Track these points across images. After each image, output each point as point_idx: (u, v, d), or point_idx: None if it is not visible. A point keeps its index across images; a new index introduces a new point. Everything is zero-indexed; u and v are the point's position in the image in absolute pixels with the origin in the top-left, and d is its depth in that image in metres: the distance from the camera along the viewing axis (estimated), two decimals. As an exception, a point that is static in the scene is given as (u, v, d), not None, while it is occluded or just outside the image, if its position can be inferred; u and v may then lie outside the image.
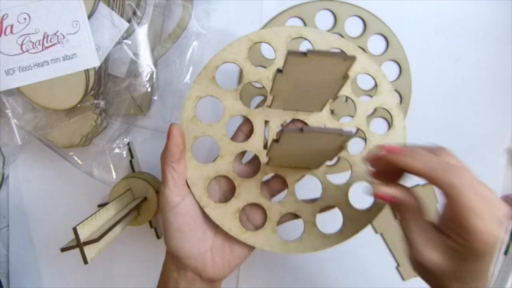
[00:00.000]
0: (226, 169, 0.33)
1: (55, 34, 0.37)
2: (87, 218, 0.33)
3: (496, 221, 0.24)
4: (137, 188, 0.43)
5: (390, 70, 0.47)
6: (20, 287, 0.49)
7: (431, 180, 0.27)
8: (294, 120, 0.33)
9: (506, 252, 0.48)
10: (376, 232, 0.49)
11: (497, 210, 0.24)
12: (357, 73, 0.34)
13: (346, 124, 0.34)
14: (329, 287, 0.50)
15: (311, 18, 0.46)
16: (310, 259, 0.50)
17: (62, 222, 0.48)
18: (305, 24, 0.46)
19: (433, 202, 0.49)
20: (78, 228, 0.31)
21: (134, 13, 0.40)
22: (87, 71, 0.38)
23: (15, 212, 0.48)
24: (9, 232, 0.48)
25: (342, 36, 0.46)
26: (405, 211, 0.30)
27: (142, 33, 0.41)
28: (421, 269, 0.28)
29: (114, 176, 0.44)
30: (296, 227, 0.34)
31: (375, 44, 0.47)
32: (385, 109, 0.34)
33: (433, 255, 0.26)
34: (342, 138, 0.26)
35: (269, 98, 0.33)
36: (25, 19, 0.37)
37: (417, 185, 0.49)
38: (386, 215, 0.49)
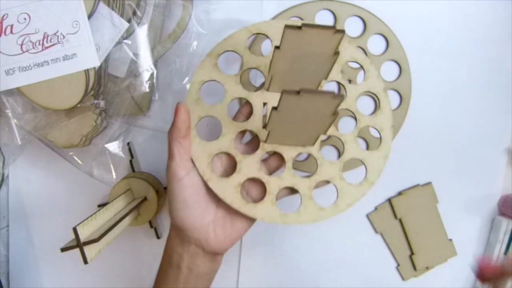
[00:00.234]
0: (228, 146, 0.35)
1: (55, 34, 0.37)
2: (87, 218, 0.33)
3: None
4: (137, 188, 0.43)
5: (390, 70, 0.47)
6: (20, 287, 0.49)
7: None
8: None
9: (506, 252, 0.48)
10: (376, 232, 0.49)
11: None
12: (346, 61, 0.36)
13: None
14: (329, 287, 0.50)
15: (311, 18, 0.46)
16: (309, 259, 0.50)
17: (62, 222, 0.48)
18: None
19: (433, 202, 0.49)
20: (78, 228, 0.31)
21: (134, 13, 0.40)
22: (87, 71, 0.38)
23: (15, 212, 0.48)
24: (9, 232, 0.48)
25: (342, 36, 0.46)
26: None
27: (142, 33, 0.41)
28: None
29: (114, 176, 0.44)
30: (293, 202, 0.36)
31: (375, 44, 0.47)
32: (372, 93, 0.37)
33: None
34: (335, 101, 0.28)
35: (267, 81, 0.35)
36: (25, 19, 0.37)
37: (417, 185, 0.49)
38: (386, 215, 0.49)
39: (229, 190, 0.34)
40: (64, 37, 0.38)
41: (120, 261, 0.49)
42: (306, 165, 0.47)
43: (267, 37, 0.36)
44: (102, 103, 0.41)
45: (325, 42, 0.29)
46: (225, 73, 0.36)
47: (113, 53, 0.40)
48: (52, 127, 0.41)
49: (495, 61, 0.48)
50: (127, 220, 0.40)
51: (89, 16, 0.38)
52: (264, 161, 0.37)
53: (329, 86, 0.45)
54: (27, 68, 0.38)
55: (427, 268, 0.50)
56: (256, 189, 0.36)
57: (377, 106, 0.37)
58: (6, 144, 0.44)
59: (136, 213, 0.43)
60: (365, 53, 0.47)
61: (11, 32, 0.37)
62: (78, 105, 0.39)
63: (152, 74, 0.42)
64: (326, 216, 0.35)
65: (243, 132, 0.36)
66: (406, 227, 0.49)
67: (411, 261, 0.49)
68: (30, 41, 0.37)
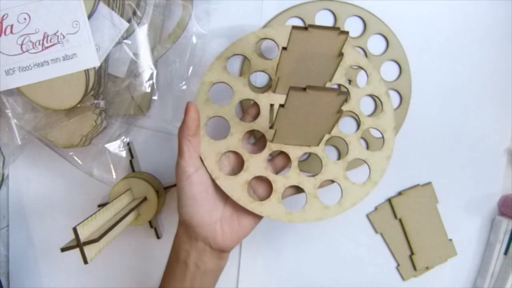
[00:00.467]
0: (236, 145, 0.36)
1: (55, 34, 0.37)
2: (87, 218, 0.33)
3: None
4: (137, 188, 0.43)
5: (390, 70, 0.47)
6: (20, 287, 0.49)
7: None
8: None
9: (506, 252, 0.48)
10: (376, 232, 0.49)
11: None
12: (350, 65, 0.38)
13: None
14: (329, 287, 0.50)
15: (311, 18, 0.46)
16: (310, 259, 0.50)
17: (62, 222, 0.48)
18: (305, 24, 0.46)
19: (433, 202, 0.49)
20: (78, 228, 0.31)
21: (134, 13, 0.40)
22: (87, 71, 0.38)
23: (15, 212, 0.48)
24: (9, 232, 0.48)
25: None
26: None
27: (142, 33, 0.41)
28: None
29: (114, 176, 0.44)
30: (299, 200, 0.37)
31: (375, 44, 0.47)
32: (375, 96, 0.38)
33: None
34: (340, 98, 0.30)
35: (274, 83, 0.36)
36: (25, 19, 0.37)
37: (417, 185, 0.49)
38: (386, 215, 0.49)
39: (236, 188, 0.35)
40: (64, 37, 0.38)
41: (120, 261, 0.49)
42: (306, 165, 0.47)
43: (274, 42, 0.38)
44: (102, 103, 0.41)
45: (330, 43, 0.31)
46: (233, 75, 0.37)
47: (113, 53, 0.40)
48: (52, 127, 0.41)
49: (495, 61, 0.48)
50: (127, 220, 0.40)
51: (89, 16, 0.38)
52: (270, 160, 0.38)
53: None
54: (27, 68, 0.38)
55: (427, 268, 0.50)
56: (263, 187, 0.37)
57: (377, 108, 0.39)
58: (6, 144, 0.44)
59: (136, 213, 0.43)
60: (365, 53, 0.47)
61: (11, 32, 0.37)
62: (78, 105, 0.39)
63: (152, 74, 0.42)
64: (331, 214, 0.36)
65: (250, 132, 0.37)
66: (406, 227, 0.49)
67: (411, 261, 0.49)
68: (30, 41, 0.37)
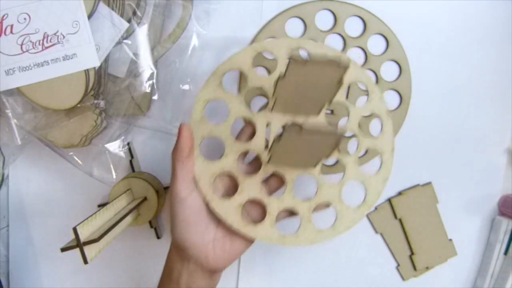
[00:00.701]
0: (231, 166, 0.35)
1: (55, 34, 0.37)
2: (87, 218, 0.33)
3: None
4: (137, 188, 0.43)
5: (390, 70, 0.47)
6: (20, 287, 0.49)
7: None
8: (293, 123, 0.34)
9: (506, 252, 0.48)
10: (376, 232, 0.49)
11: None
12: (351, 82, 0.37)
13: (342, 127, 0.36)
14: (329, 287, 0.50)
15: (311, 18, 0.46)
16: (310, 259, 0.50)
17: (62, 222, 0.48)
18: (305, 24, 0.46)
19: (433, 202, 0.49)
20: (78, 228, 0.31)
21: (134, 13, 0.40)
22: (87, 71, 0.38)
23: (15, 212, 0.48)
24: (9, 232, 0.48)
25: (342, 36, 0.46)
26: None
27: (142, 33, 0.41)
28: None
29: (114, 176, 0.44)
30: (293, 223, 0.36)
31: (375, 44, 0.47)
32: (376, 115, 0.37)
33: None
34: (336, 137, 0.29)
35: (271, 102, 0.35)
36: (25, 19, 0.37)
37: (417, 185, 0.49)
38: (386, 215, 0.49)
39: (230, 211, 0.35)
40: (64, 37, 0.38)
41: (120, 261, 0.49)
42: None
43: (273, 55, 0.36)
44: (102, 103, 0.41)
45: (329, 75, 0.30)
46: (229, 92, 0.35)
47: (113, 53, 0.40)
48: (52, 127, 0.41)
49: (495, 61, 0.48)
50: (127, 220, 0.40)
51: (89, 16, 0.38)
52: (265, 181, 0.37)
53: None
54: (27, 68, 0.38)
55: (427, 268, 0.50)
56: (257, 210, 0.37)
57: (364, 128, 0.37)
58: (6, 144, 0.44)
59: (136, 213, 0.43)
60: (365, 53, 0.47)
61: (11, 32, 0.37)
62: (78, 105, 0.39)
63: (152, 74, 0.42)
64: (324, 238, 0.36)
65: (246, 153, 0.36)
66: (406, 227, 0.49)
67: (411, 261, 0.49)
68: (30, 41, 0.37)
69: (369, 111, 0.37)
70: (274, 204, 0.36)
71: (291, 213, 0.36)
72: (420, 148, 0.49)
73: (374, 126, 0.45)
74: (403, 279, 0.50)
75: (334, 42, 0.47)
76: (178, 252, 0.35)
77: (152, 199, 0.43)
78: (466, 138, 0.49)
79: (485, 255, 0.50)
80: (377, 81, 0.47)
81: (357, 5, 0.46)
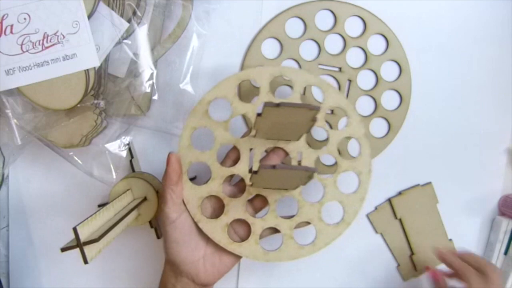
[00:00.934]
0: (217, 190, 0.38)
1: (55, 34, 0.37)
2: (87, 218, 0.33)
3: None
4: (137, 188, 0.43)
5: (390, 70, 0.47)
6: (20, 287, 0.49)
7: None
8: (275, 148, 0.39)
9: (506, 252, 0.48)
10: (376, 232, 0.49)
11: None
12: (330, 107, 0.39)
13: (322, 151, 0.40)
14: (329, 287, 0.50)
15: (311, 18, 0.46)
16: (309, 259, 0.49)
17: (62, 222, 0.48)
18: (305, 24, 0.46)
19: (433, 202, 0.49)
20: (78, 228, 0.31)
21: (134, 13, 0.40)
22: (87, 71, 0.38)
23: (15, 212, 0.48)
24: (9, 232, 0.48)
25: (342, 36, 0.46)
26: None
27: (142, 33, 0.41)
28: None
29: (114, 176, 0.44)
30: (276, 240, 0.39)
31: (375, 44, 0.47)
32: (354, 138, 0.40)
33: None
34: (307, 173, 0.34)
35: (254, 130, 0.38)
36: (25, 19, 0.37)
37: (417, 185, 0.49)
38: (386, 215, 0.49)
39: (217, 230, 0.38)
40: (64, 37, 0.38)
41: (120, 261, 0.49)
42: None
43: (256, 83, 0.39)
44: (102, 103, 0.41)
45: (302, 116, 0.33)
46: (214, 119, 0.38)
47: (113, 53, 0.40)
48: (52, 127, 0.41)
49: (495, 61, 0.48)
50: (127, 220, 0.39)
51: (89, 16, 0.38)
52: (249, 201, 0.40)
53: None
54: (27, 68, 0.38)
55: (428, 268, 0.50)
56: (242, 228, 0.40)
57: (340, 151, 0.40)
58: (6, 144, 0.44)
59: (136, 213, 0.43)
60: (365, 53, 0.47)
61: (11, 32, 0.37)
62: (78, 105, 0.39)
63: (152, 74, 0.42)
64: (305, 254, 0.39)
65: (231, 176, 0.39)
66: (406, 227, 0.49)
67: (411, 261, 0.49)
68: (30, 41, 0.37)
69: (348, 135, 0.39)
70: (258, 224, 0.39)
71: (275, 230, 0.39)
72: (420, 148, 0.49)
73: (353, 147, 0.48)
74: (403, 279, 0.50)
75: (334, 42, 0.47)
76: (172, 268, 0.38)
77: (152, 199, 0.43)
78: (466, 138, 0.49)
79: (485, 255, 0.50)
80: (377, 81, 0.47)
81: (357, 5, 0.46)
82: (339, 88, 0.47)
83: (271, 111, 0.32)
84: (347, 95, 0.47)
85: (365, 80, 0.47)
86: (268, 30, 0.46)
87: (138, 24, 0.41)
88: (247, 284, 0.49)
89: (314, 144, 0.47)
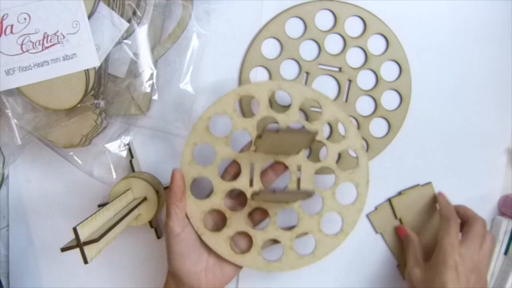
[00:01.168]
0: (219, 204, 0.40)
1: (55, 34, 0.37)
2: (87, 218, 0.33)
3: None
4: (137, 188, 0.43)
5: (390, 70, 0.47)
6: (20, 287, 0.49)
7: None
8: (274, 163, 0.41)
9: (506, 252, 0.48)
10: (376, 232, 0.49)
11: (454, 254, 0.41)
12: (329, 120, 0.40)
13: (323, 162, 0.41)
14: (329, 287, 0.50)
15: (311, 18, 0.46)
16: (310, 259, 0.50)
17: (62, 222, 0.48)
18: (305, 24, 0.46)
19: (433, 202, 0.49)
20: (78, 228, 0.31)
21: (134, 13, 0.40)
22: (87, 71, 0.38)
23: (15, 212, 0.48)
24: (9, 232, 0.48)
25: (342, 36, 0.46)
26: (408, 243, 0.47)
27: (142, 33, 0.41)
28: (410, 279, 0.44)
29: (114, 176, 0.44)
30: (276, 249, 0.41)
31: (375, 44, 0.47)
32: (352, 151, 0.41)
33: (416, 271, 0.43)
34: (306, 195, 0.35)
35: (254, 145, 0.39)
36: (25, 19, 0.37)
37: (418, 185, 0.49)
38: (386, 215, 0.49)
39: (220, 242, 0.39)
40: (64, 37, 0.38)
41: (120, 261, 0.49)
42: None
43: (255, 98, 0.40)
44: (102, 103, 0.41)
45: (301, 139, 0.35)
46: (215, 135, 0.39)
47: (113, 53, 0.40)
48: (52, 127, 0.41)
49: (495, 61, 0.48)
50: (127, 220, 0.39)
51: (89, 16, 0.38)
52: (250, 213, 0.41)
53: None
54: (27, 68, 0.38)
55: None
56: (244, 240, 0.41)
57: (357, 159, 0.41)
58: (6, 144, 0.44)
59: (136, 213, 0.43)
60: (365, 53, 0.47)
61: (11, 32, 0.37)
62: (78, 105, 0.39)
63: (152, 74, 0.42)
64: (305, 264, 0.40)
65: (232, 190, 0.40)
66: (407, 227, 0.49)
67: (411, 261, 0.49)
68: (30, 41, 0.37)
69: (346, 147, 0.40)
70: (259, 236, 0.40)
71: (275, 241, 0.41)
72: (420, 148, 0.49)
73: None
74: (403, 278, 0.50)
75: (334, 42, 0.47)
76: (174, 280, 0.40)
77: (152, 199, 0.43)
78: (466, 138, 0.49)
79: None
80: (377, 81, 0.47)
81: (357, 5, 0.46)
82: (339, 88, 0.47)
83: (270, 135, 0.33)
84: (347, 95, 0.47)
85: (365, 80, 0.47)
86: (268, 30, 0.46)
87: (138, 24, 0.41)
88: (247, 285, 0.49)
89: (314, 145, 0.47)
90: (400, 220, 0.49)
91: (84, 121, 0.41)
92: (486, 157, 0.49)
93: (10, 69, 0.38)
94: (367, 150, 0.48)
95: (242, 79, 0.46)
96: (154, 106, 0.45)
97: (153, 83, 0.43)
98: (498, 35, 0.48)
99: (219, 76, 0.47)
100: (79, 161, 0.44)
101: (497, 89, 0.49)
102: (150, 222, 0.45)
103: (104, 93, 0.42)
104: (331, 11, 0.46)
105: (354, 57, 0.47)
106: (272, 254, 0.41)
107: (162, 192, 0.46)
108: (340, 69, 0.47)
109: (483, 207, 0.50)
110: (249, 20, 0.46)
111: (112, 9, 0.39)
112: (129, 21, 0.40)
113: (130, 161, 0.46)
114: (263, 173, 0.41)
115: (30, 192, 0.48)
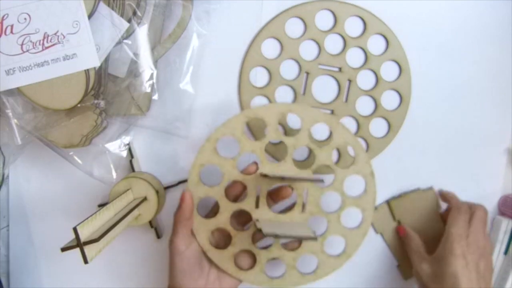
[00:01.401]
0: (224, 223, 0.40)
1: (55, 34, 0.37)
2: (87, 218, 0.33)
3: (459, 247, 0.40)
4: (137, 188, 0.43)
5: (390, 70, 0.47)
6: (20, 287, 0.49)
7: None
8: (280, 188, 0.41)
9: (506, 252, 0.48)
10: (376, 232, 0.49)
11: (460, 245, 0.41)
12: (339, 145, 0.40)
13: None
14: (329, 287, 0.50)
15: (311, 18, 0.46)
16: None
17: (62, 222, 0.48)
18: (305, 24, 0.46)
19: (434, 207, 0.49)
20: (78, 228, 0.31)
21: (134, 13, 0.40)
22: (87, 71, 0.38)
23: (15, 212, 0.48)
24: (9, 232, 0.48)
25: (342, 36, 0.46)
26: (409, 240, 0.47)
27: (142, 33, 0.41)
28: (418, 276, 0.44)
29: (114, 176, 0.44)
30: (279, 267, 0.42)
31: (375, 44, 0.47)
32: (361, 176, 0.41)
33: (424, 266, 0.43)
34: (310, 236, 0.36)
35: (260, 168, 0.40)
36: (25, 19, 0.37)
37: (418, 189, 0.49)
38: (386, 216, 0.49)
39: (225, 259, 0.41)
40: (64, 37, 0.38)
41: (120, 261, 0.49)
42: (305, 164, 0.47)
43: (264, 121, 0.40)
44: (102, 103, 0.41)
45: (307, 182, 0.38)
46: (223, 156, 0.40)
47: (113, 53, 0.40)
48: (52, 127, 0.41)
49: (495, 61, 0.48)
50: (127, 220, 0.39)
51: (89, 16, 0.38)
52: (254, 233, 0.42)
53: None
54: (27, 68, 0.38)
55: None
56: (248, 258, 0.42)
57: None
58: (6, 144, 0.44)
59: (136, 213, 0.43)
60: (365, 53, 0.47)
61: (11, 32, 0.37)
62: (78, 105, 0.39)
63: (152, 74, 0.42)
64: (306, 282, 0.41)
65: (238, 211, 0.41)
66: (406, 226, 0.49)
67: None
68: (30, 41, 0.37)
69: (355, 173, 0.40)
70: (263, 255, 0.41)
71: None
72: (420, 148, 0.49)
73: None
74: (403, 278, 0.50)
75: (334, 42, 0.47)
76: None
77: (152, 199, 0.43)
78: (466, 138, 0.49)
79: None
80: (377, 81, 0.47)
81: (357, 5, 0.46)
82: (339, 88, 0.47)
83: (276, 179, 0.35)
84: (347, 95, 0.47)
85: (365, 80, 0.47)
86: (268, 30, 0.46)
87: (138, 24, 0.41)
88: (248, 285, 0.49)
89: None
90: (399, 222, 0.49)
91: (84, 121, 0.41)
92: (486, 157, 0.49)
93: (10, 69, 0.38)
94: (367, 150, 0.48)
95: (242, 79, 0.46)
96: (154, 106, 0.45)
97: (153, 83, 0.43)
98: (498, 35, 0.48)
99: (219, 76, 0.47)
100: (79, 161, 0.44)
101: (497, 89, 0.49)
102: (150, 222, 0.45)
103: (104, 93, 0.42)
104: (331, 11, 0.46)
105: (354, 57, 0.47)
106: (274, 271, 0.42)
107: (162, 192, 0.46)
108: (340, 69, 0.47)
109: (483, 207, 0.50)
110: (249, 20, 0.46)
111: (112, 9, 0.39)
112: (129, 21, 0.40)
113: (130, 161, 0.46)
114: (269, 194, 0.41)
115: (30, 192, 0.48)
